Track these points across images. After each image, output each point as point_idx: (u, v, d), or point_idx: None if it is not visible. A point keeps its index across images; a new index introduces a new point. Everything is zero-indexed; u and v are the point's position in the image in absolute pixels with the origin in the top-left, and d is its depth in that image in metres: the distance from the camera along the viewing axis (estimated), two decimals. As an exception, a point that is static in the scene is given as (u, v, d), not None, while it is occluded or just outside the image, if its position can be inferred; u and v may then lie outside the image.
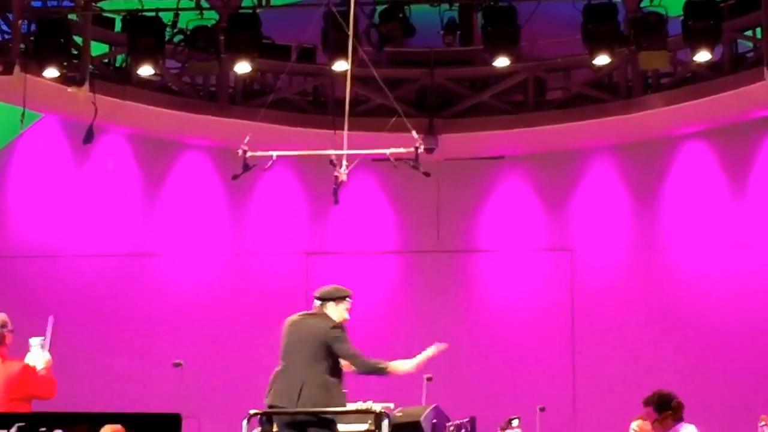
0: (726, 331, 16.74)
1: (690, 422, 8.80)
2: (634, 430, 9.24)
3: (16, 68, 14.30)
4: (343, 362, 9.55)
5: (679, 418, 8.76)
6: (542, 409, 13.74)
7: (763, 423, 12.79)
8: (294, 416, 9.30)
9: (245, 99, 16.43)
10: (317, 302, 9.68)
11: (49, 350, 9.14)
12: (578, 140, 16.79)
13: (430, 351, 9.78)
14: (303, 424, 9.35)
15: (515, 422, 12.88)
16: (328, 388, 9.36)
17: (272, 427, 9.60)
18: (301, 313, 9.71)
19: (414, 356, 9.80)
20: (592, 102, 16.31)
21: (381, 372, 9.58)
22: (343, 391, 9.54)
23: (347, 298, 9.73)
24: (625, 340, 16.94)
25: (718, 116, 16.12)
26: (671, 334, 16.87)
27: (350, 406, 9.66)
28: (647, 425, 9.04)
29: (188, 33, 15.32)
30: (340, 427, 9.59)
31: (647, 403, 8.87)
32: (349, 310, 9.73)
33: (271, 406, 9.41)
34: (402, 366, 9.67)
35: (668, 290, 17.08)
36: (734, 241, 17.01)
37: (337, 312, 9.64)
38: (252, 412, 9.55)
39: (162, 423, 4.55)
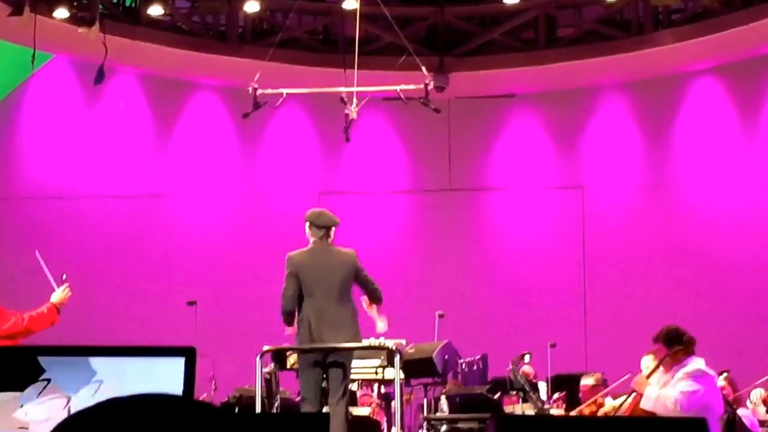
0: (736, 267, 16.78)
1: (699, 357, 8.82)
2: (646, 366, 9.22)
3: (26, 9, 14.25)
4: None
5: (690, 353, 8.77)
6: (553, 345, 13.82)
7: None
8: (325, 354, 9.23)
9: (255, 38, 16.40)
10: (320, 230, 9.46)
11: (55, 280, 9.18)
12: (589, 77, 16.76)
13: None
14: (331, 361, 9.27)
15: (527, 358, 12.95)
16: (357, 322, 9.34)
17: (285, 364, 9.66)
18: (309, 248, 9.55)
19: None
20: (603, 39, 16.26)
21: (378, 299, 9.54)
22: None
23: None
24: (636, 276, 17.00)
25: (729, 52, 16.06)
26: (681, 271, 16.92)
27: (363, 343, 9.69)
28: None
29: (197, -28, 15.30)
30: (354, 362, 9.62)
31: (657, 338, 8.86)
32: None
33: (319, 341, 9.27)
34: (379, 322, 9.62)
35: (679, 227, 17.11)
36: (745, 178, 17.00)
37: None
38: (265, 348, 9.58)
39: (177, 356, 4.54)
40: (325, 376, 9.25)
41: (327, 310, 9.22)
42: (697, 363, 8.71)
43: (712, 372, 8.84)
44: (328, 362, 9.21)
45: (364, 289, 9.51)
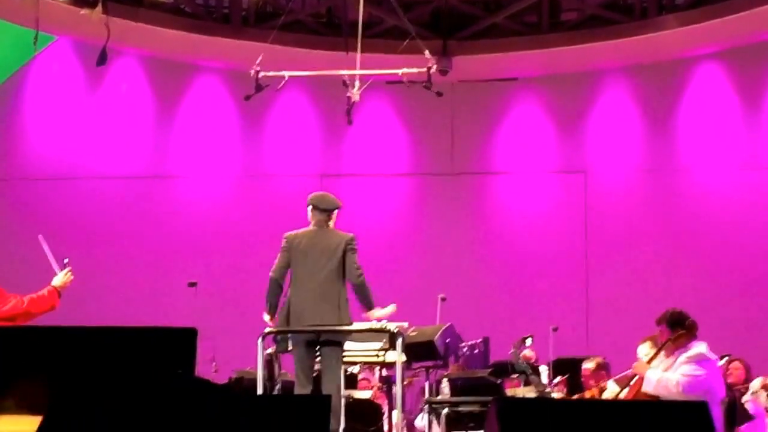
0: (738, 252, 16.77)
1: (702, 341, 8.83)
2: (645, 354, 9.24)
3: (29, -10, 14.23)
4: None
5: (692, 337, 8.79)
6: (555, 329, 13.80)
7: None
8: (318, 333, 9.28)
9: (258, 21, 16.40)
10: (322, 214, 9.55)
11: (57, 264, 9.17)
12: (592, 62, 16.73)
13: (390, 309, 9.64)
14: (323, 341, 9.31)
15: (528, 341, 12.95)
16: (347, 306, 9.36)
17: (287, 346, 9.66)
18: (307, 229, 9.61)
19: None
20: (607, 23, 16.24)
21: (368, 303, 9.45)
22: None
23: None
24: (638, 261, 16.99)
25: (733, 37, 16.03)
26: (684, 255, 16.91)
27: (365, 325, 9.70)
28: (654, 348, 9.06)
29: (200, -46, 15.26)
30: (354, 345, 9.65)
31: (660, 321, 8.89)
32: None
33: (299, 320, 9.32)
34: (377, 313, 9.54)
35: (681, 211, 17.09)
36: (747, 163, 16.99)
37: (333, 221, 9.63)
38: (267, 330, 9.59)
39: (177, 337, 4.56)
40: (319, 355, 9.32)
41: (312, 291, 9.28)
42: (699, 347, 8.72)
43: (713, 356, 8.85)
44: (321, 341, 9.26)
45: (346, 272, 9.36)
